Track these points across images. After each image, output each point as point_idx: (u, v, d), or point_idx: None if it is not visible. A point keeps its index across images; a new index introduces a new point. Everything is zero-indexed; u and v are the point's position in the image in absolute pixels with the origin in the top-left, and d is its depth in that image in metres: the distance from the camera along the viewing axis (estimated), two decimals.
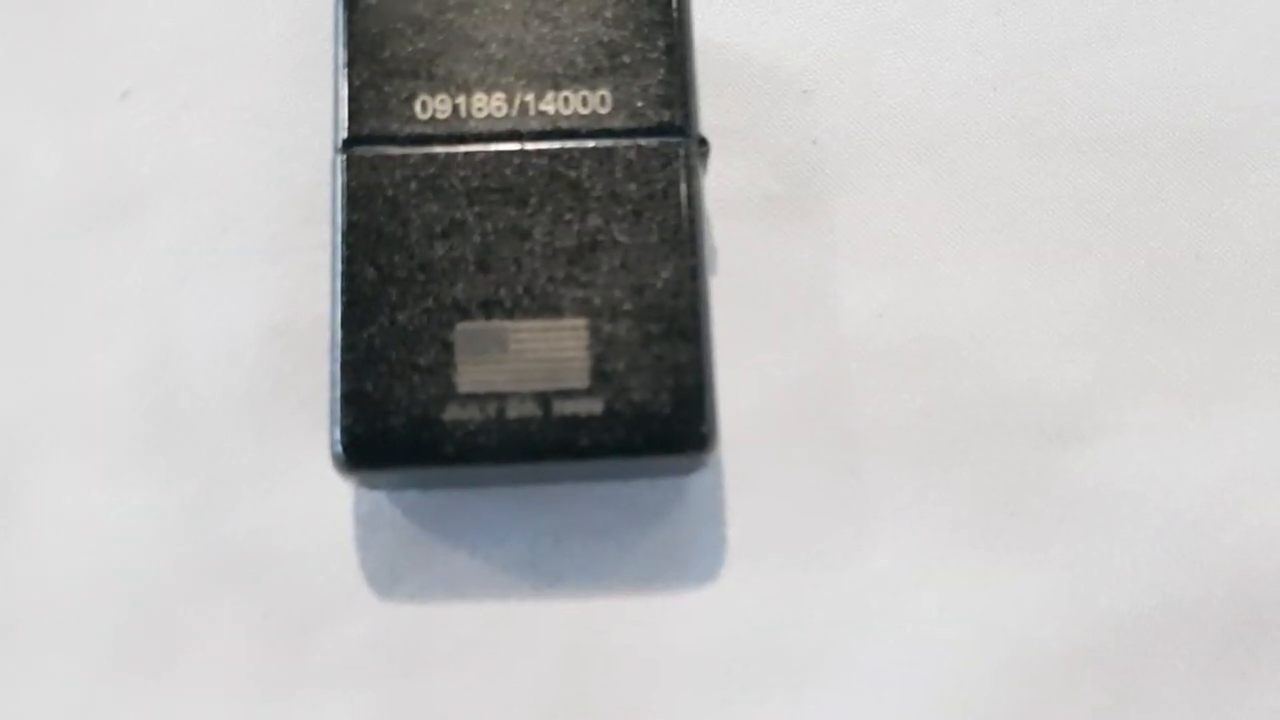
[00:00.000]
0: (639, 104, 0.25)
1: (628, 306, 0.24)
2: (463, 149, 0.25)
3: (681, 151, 0.25)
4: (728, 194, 0.28)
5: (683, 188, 0.25)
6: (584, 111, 0.25)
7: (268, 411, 0.27)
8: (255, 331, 0.27)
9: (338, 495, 0.26)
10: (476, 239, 0.24)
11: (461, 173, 0.25)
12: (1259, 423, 0.27)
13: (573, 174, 0.25)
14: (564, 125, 0.25)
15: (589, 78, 0.25)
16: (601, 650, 0.26)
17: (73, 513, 0.26)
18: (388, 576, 0.26)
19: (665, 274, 0.24)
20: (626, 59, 0.25)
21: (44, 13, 0.29)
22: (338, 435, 0.24)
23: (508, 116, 0.25)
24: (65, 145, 0.29)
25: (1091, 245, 0.28)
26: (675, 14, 0.26)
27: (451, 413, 0.24)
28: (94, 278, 0.28)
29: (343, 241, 0.24)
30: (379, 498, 0.26)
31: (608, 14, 0.25)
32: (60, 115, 0.29)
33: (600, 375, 0.24)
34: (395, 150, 0.25)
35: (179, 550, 0.26)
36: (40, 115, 0.29)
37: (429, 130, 0.25)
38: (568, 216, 0.25)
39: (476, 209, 0.25)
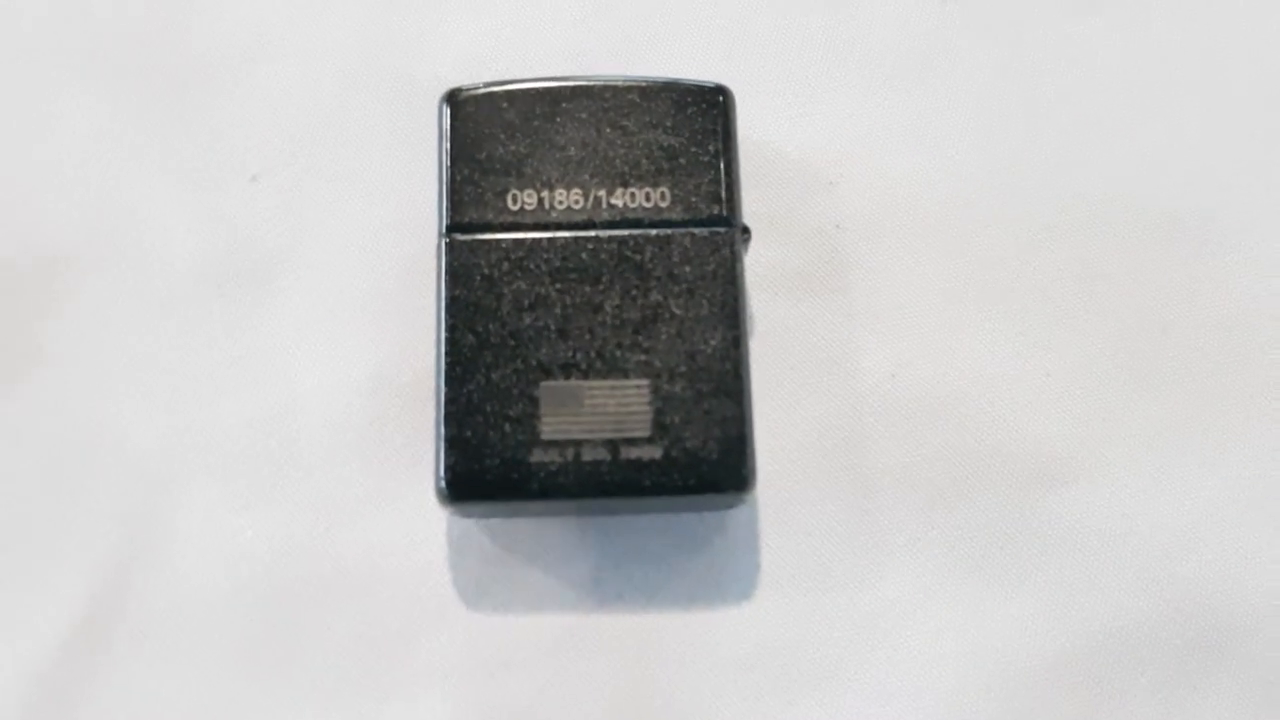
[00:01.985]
0: (693, 199, 0.28)
1: (683, 369, 0.27)
2: (546, 235, 0.28)
3: (728, 239, 0.28)
4: (765, 271, 0.31)
5: (729, 269, 0.27)
6: (647, 205, 0.28)
7: (374, 450, 0.29)
8: (364, 382, 0.30)
9: (433, 522, 0.29)
10: (557, 311, 0.27)
11: (545, 255, 0.27)
12: (1215, 472, 0.29)
13: (638, 257, 0.27)
14: (630, 216, 0.28)
15: (651, 177, 0.28)
16: (654, 657, 0.28)
17: (210, 535, 0.29)
18: (474, 592, 0.29)
19: (714, 342, 0.27)
20: (683, 161, 0.28)
21: (186, 106, 0.32)
22: (442, 473, 0.26)
23: (584, 209, 0.28)
24: (204, 220, 0.31)
25: (1072, 318, 0.30)
26: (722, 124, 0.28)
27: (536, 456, 0.26)
28: (228, 334, 0.30)
29: (446, 312, 0.27)
30: (468, 524, 0.29)
31: (668, 123, 0.28)
32: (199, 194, 0.31)
33: (660, 426, 0.26)
34: (490, 236, 0.28)
35: (298, 567, 0.29)
36: (183, 194, 0.31)
37: (518, 219, 0.28)
38: (633, 293, 0.27)
39: (557, 286, 0.27)
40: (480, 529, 0.29)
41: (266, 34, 0.33)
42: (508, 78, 0.29)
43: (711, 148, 0.28)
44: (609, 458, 0.26)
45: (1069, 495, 0.29)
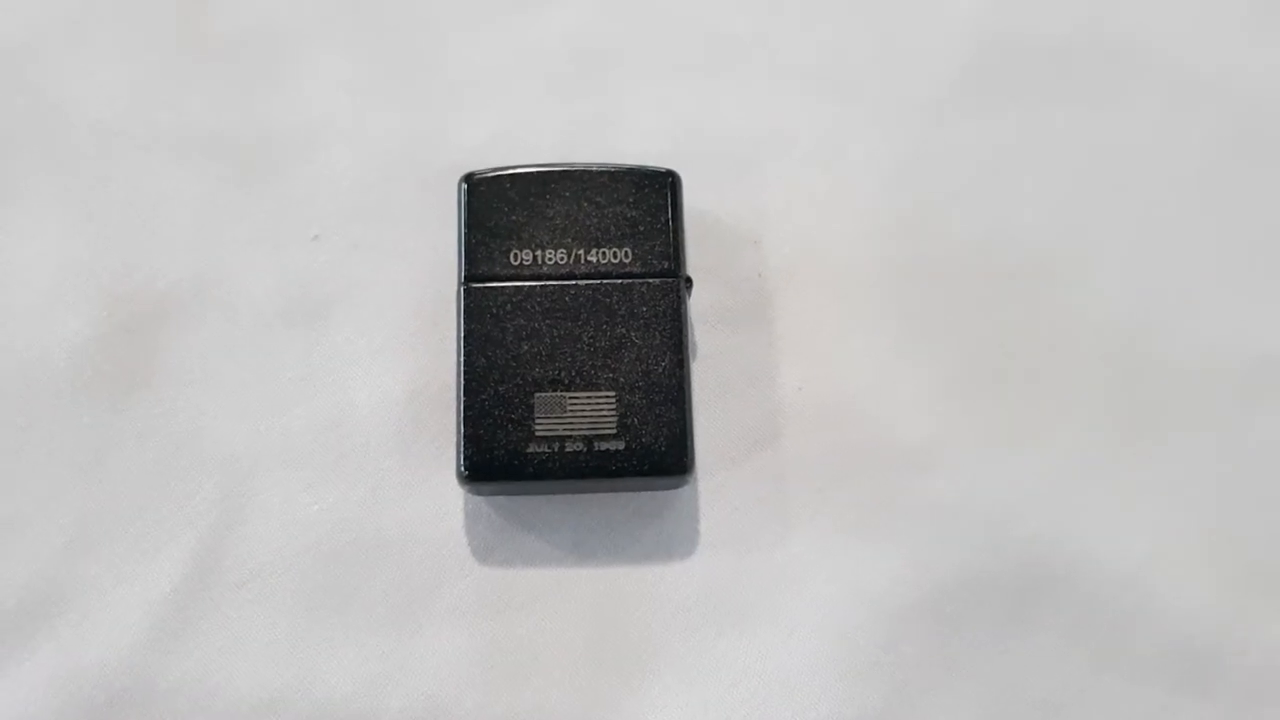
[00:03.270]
0: (649, 257, 0.32)
1: (640, 384, 0.31)
2: (539, 284, 0.32)
3: (675, 286, 0.32)
4: (704, 309, 0.35)
5: (675, 309, 0.31)
6: (614, 261, 0.32)
7: (408, 446, 0.33)
8: (401, 394, 0.34)
9: (453, 499, 0.33)
10: (547, 341, 0.31)
11: (538, 299, 0.32)
12: (1043, 460, 0.34)
13: (607, 300, 0.32)
14: (602, 270, 0.32)
15: (617, 239, 0.32)
16: (620, 602, 0.32)
17: (284, 509, 0.33)
18: (484, 551, 0.33)
19: (664, 363, 0.31)
20: (641, 228, 0.32)
21: (263, 183, 0.36)
22: (462, 462, 0.31)
23: (567, 264, 0.32)
24: (275, 271, 0.35)
25: (936, 343, 0.35)
26: (671, 199, 0.33)
27: (531, 448, 0.30)
28: (297, 358, 0.34)
29: (464, 342, 0.31)
30: (480, 500, 0.33)
31: (630, 199, 0.32)
32: (271, 251, 0.35)
33: (623, 426, 0.30)
34: (497, 284, 0.32)
35: (351, 533, 0.33)
36: (258, 251, 0.35)
37: (518, 272, 0.32)
38: (604, 327, 0.31)
39: (547, 322, 0.31)
40: (489, 504, 0.33)
41: (325, 128, 0.37)
42: (510, 164, 0.33)
43: (663, 218, 0.32)
44: (585, 449, 0.30)
45: (931, 478, 0.33)
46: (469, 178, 0.33)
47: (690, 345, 0.33)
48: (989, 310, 0.35)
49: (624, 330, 0.31)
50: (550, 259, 0.32)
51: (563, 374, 0.31)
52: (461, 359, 0.31)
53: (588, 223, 0.32)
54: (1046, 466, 0.34)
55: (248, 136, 0.37)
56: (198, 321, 0.35)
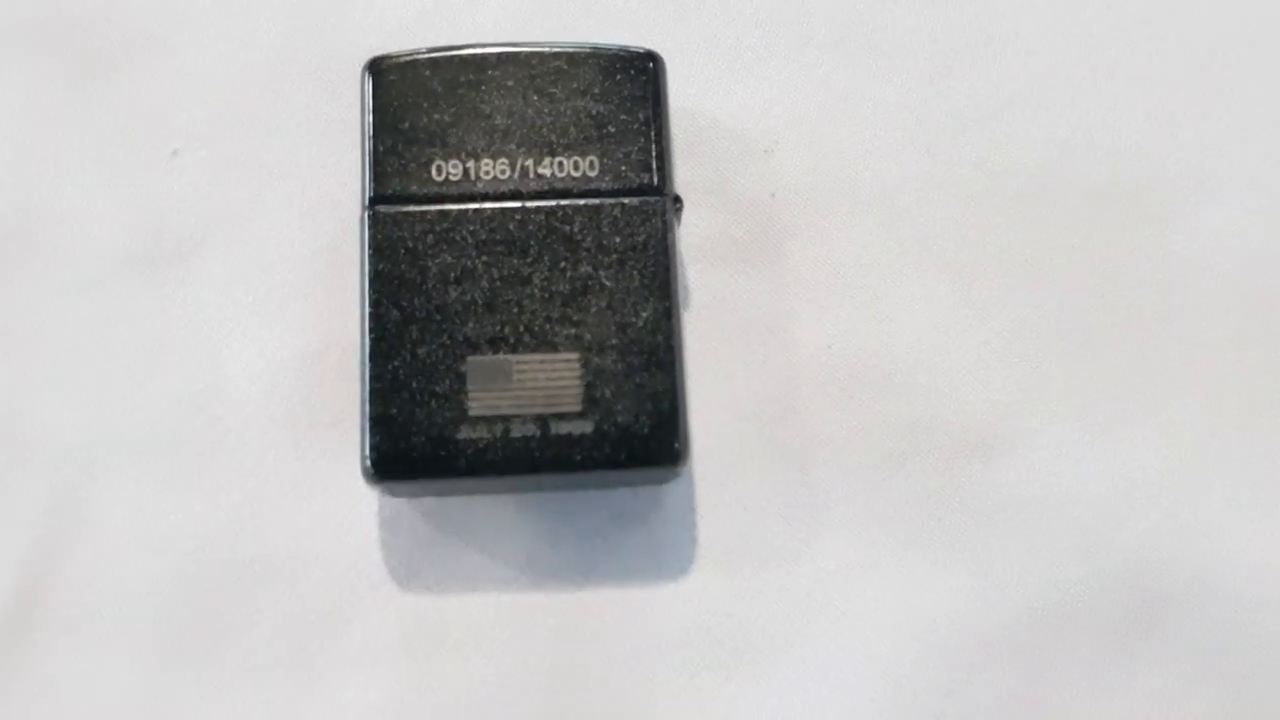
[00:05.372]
0: (623, 168, 0.28)
1: (613, 342, 0.27)
2: (472, 207, 0.28)
3: (659, 208, 0.28)
4: (698, 240, 0.31)
5: (660, 240, 0.28)
6: (576, 174, 0.28)
7: (302, 430, 0.30)
8: (291, 361, 0.30)
9: (363, 502, 0.29)
10: (484, 284, 0.27)
11: (471, 227, 0.28)
12: (1148, 441, 0.30)
13: (566, 228, 0.28)
14: (559, 186, 0.28)
15: (580, 145, 0.28)
16: (589, 635, 0.29)
17: (134, 520, 0.29)
18: (406, 572, 0.29)
19: (645, 314, 0.27)
20: (612, 129, 0.28)
21: (100, 80, 0.32)
22: (367, 452, 0.27)
23: (510, 179, 0.28)
24: (123, 198, 0.31)
25: (1009, 286, 0.31)
26: (652, 91, 0.29)
27: (464, 433, 0.27)
28: (150, 315, 0.31)
29: (370, 287, 0.27)
30: (399, 504, 0.29)
31: (595, 90, 0.29)
32: (117, 172, 0.32)
33: (590, 400, 0.27)
34: (414, 208, 0.28)
35: (226, 551, 0.29)
36: (99, 172, 0.32)
37: (443, 190, 0.28)
38: (562, 265, 0.28)
39: (484, 258, 0.28)
40: (412, 509, 0.30)
41: (188, 9, 0.33)
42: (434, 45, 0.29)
43: (641, 115, 0.29)
44: (539, 433, 0.27)
45: (1006, 465, 0.30)
46: (375, 64, 0.29)
47: (682, 290, 0.30)
48: (1078, 245, 0.32)
49: (590, 269, 0.28)
50: (488, 172, 0.28)
51: (507, 330, 0.27)
52: (367, 311, 0.28)
53: (539, 122, 0.29)
54: (1158, 450, 0.30)
55: (86, 22, 0.33)
56: (19, 268, 0.31)
